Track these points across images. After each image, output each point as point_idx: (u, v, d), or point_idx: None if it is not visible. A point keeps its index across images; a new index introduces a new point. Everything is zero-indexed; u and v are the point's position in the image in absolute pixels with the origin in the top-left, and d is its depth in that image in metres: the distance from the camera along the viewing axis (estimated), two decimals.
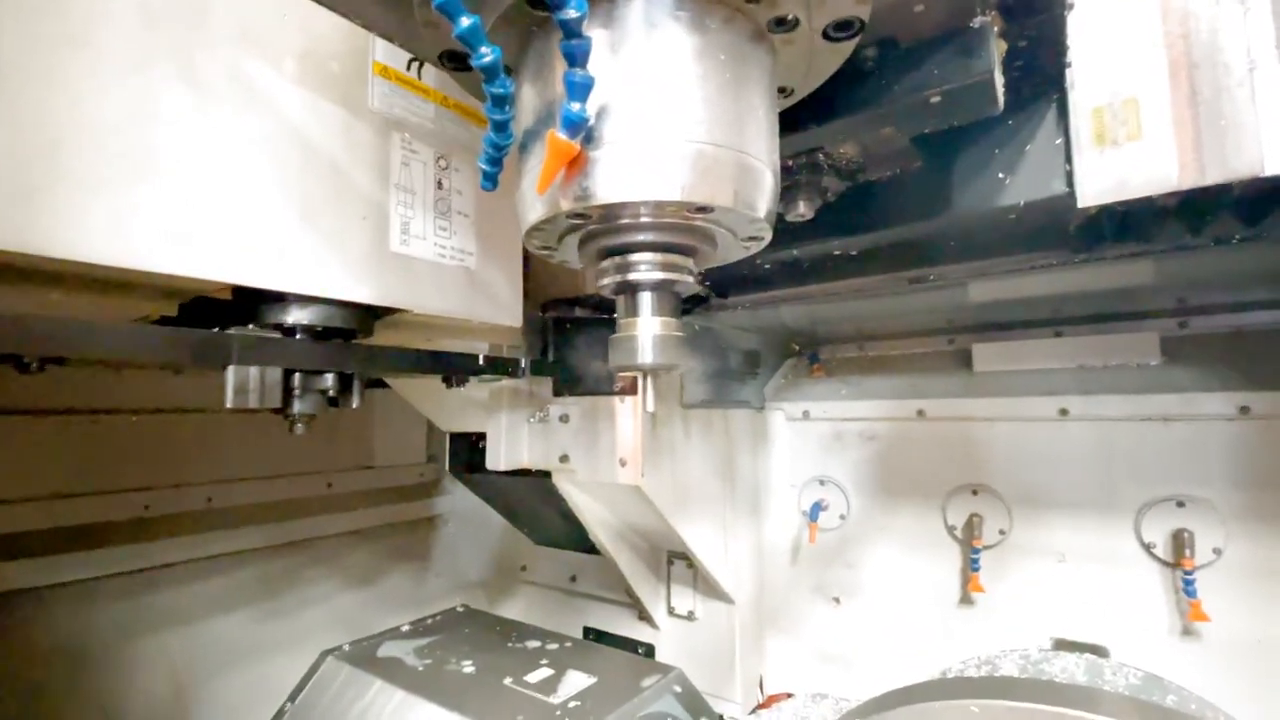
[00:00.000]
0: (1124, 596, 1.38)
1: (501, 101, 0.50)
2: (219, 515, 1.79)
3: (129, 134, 0.72)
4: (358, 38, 0.95)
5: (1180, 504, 1.34)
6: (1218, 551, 1.29)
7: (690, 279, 0.58)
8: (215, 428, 1.82)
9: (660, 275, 0.56)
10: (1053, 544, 1.48)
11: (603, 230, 0.55)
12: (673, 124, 0.49)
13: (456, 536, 2.36)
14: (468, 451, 1.86)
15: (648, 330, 0.57)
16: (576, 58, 0.45)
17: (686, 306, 1.53)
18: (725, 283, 1.44)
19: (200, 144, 0.77)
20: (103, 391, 1.62)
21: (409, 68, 1.03)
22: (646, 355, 0.56)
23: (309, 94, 0.88)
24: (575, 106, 0.46)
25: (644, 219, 0.52)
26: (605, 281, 0.58)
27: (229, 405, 0.81)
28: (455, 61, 0.65)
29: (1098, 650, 1.36)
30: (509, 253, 1.17)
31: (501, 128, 0.53)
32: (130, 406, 1.67)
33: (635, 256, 0.56)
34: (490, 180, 0.60)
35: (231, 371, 0.81)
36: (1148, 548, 1.36)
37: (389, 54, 0.99)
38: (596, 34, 0.49)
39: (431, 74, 1.06)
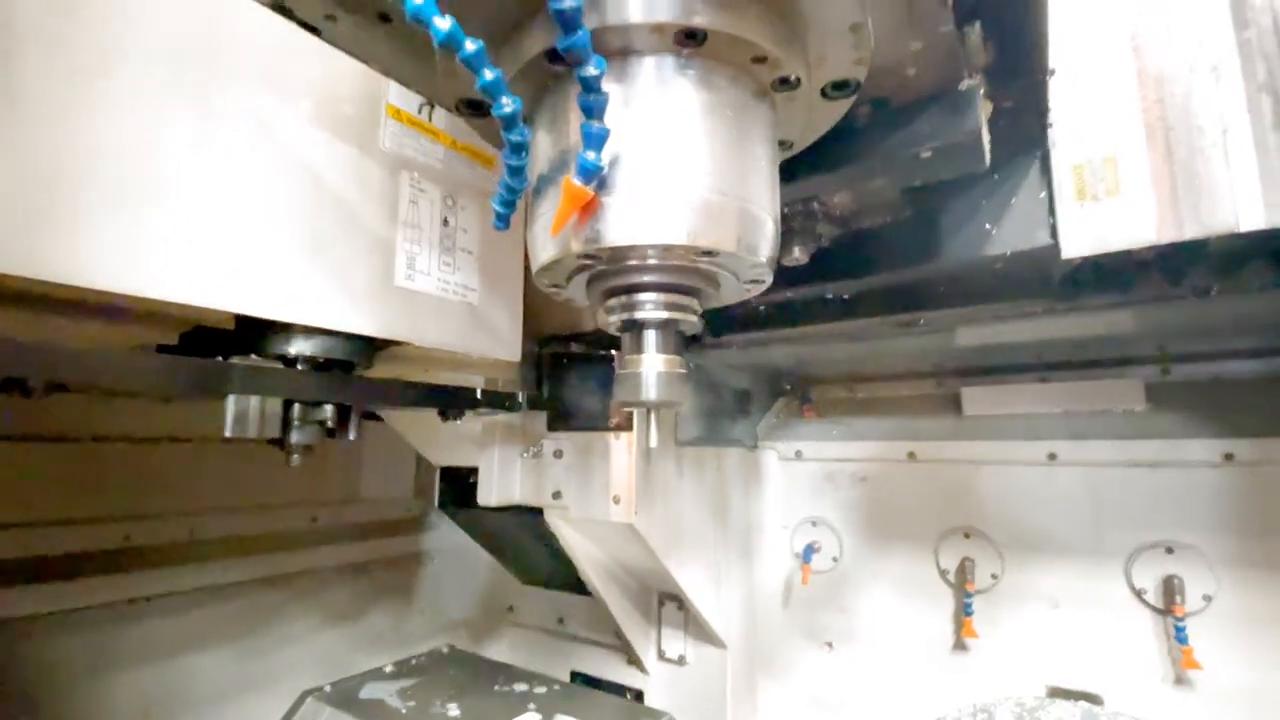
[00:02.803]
0: (1117, 643, 1.38)
1: (519, 148, 0.53)
2: (201, 547, 1.75)
3: (142, 165, 0.73)
4: (372, 81, 0.99)
5: (1169, 550, 1.35)
6: (1208, 599, 1.30)
7: (694, 318, 0.60)
8: (201, 458, 1.80)
9: (665, 314, 0.58)
10: (1045, 589, 1.48)
11: (611, 270, 0.57)
12: (681, 174, 0.51)
13: (442, 574, 2.31)
14: (457, 486, 1.84)
15: (652, 367, 0.58)
16: (594, 111, 0.48)
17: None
18: (719, 322, 1.47)
19: (213, 177, 0.79)
20: (90, 419, 1.60)
21: (420, 111, 1.06)
22: (651, 392, 0.57)
23: (323, 133, 0.91)
24: (591, 155, 0.48)
25: (651, 261, 0.54)
26: (612, 319, 0.60)
27: (228, 434, 0.81)
28: (472, 108, 0.68)
29: (1091, 699, 1.35)
30: (510, 289, 1.19)
31: (517, 173, 0.55)
32: (117, 434, 1.65)
33: (641, 296, 0.58)
34: (503, 221, 0.62)
35: (232, 401, 0.81)
36: (1139, 594, 1.37)
37: (402, 97, 1.03)
38: (610, 88, 0.51)
39: (441, 117, 1.10)
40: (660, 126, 0.52)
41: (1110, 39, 0.91)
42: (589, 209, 0.51)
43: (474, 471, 1.61)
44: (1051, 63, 0.84)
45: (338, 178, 0.92)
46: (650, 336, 0.59)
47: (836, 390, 1.98)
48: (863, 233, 1.08)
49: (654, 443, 0.61)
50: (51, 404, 1.52)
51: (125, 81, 0.73)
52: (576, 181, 0.49)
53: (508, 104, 0.50)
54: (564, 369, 1.51)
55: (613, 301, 0.60)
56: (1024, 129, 0.93)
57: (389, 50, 0.66)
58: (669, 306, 0.58)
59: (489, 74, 0.48)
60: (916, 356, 1.79)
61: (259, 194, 0.83)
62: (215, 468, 1.82)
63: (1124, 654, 1.37)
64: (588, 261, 0.55)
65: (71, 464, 1.57)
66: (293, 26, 0.86)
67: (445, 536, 2.37)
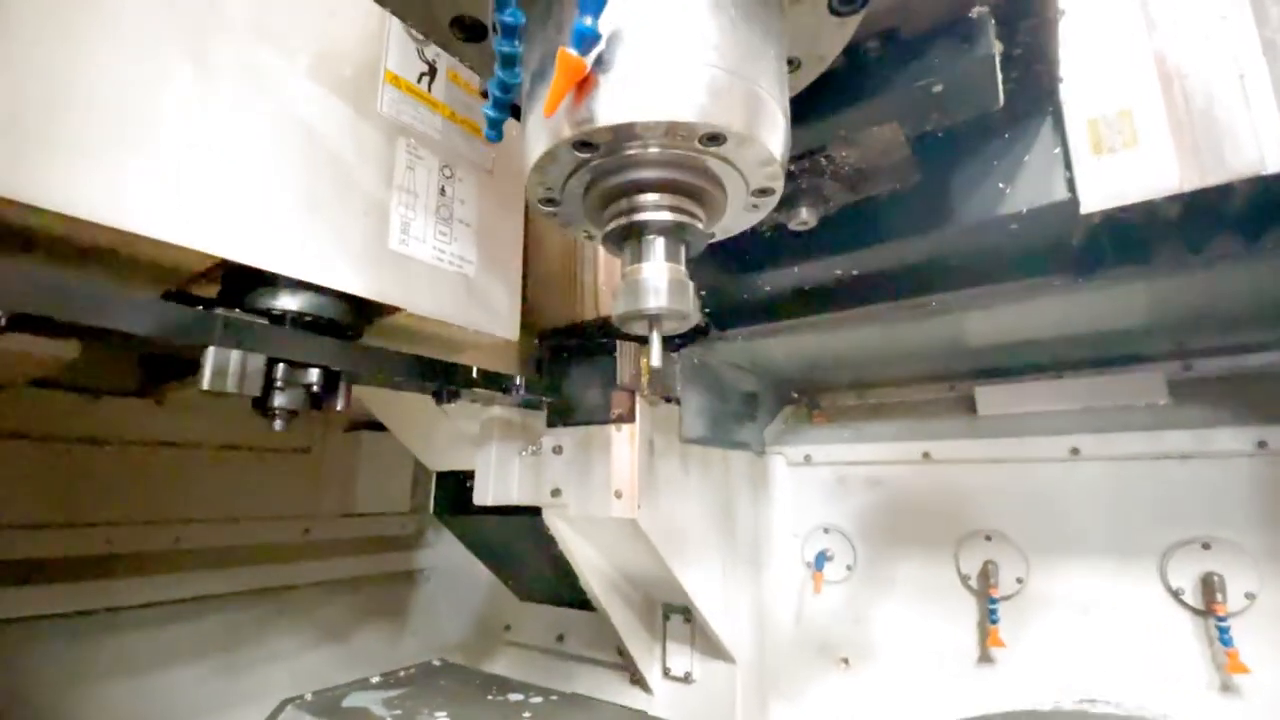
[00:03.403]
0: (1155, 649, 1.28)
1: (512, 31, 0.50)
2: (187, 557, 1.68)
3: (132, 102, 0.72)
4: (371, 46, 0.98)
5: (1206, 546, 1.27)
6: (1251, 596, 1.21)
7: (700, 226, 0.56)
8: (192, 464, 1.75)
9: (669, 217, 0.54)
10: (1075, 592, 1.39)
11: (609, 167, 0.53)
12: (686, 47, 0.48)
13: (437, 592, 2.21)
14: (454, 491, 1.77)
15: (657, 273, 0.54)
16: None
17: (683, 340, 1.51)
18: (724, 313, 1.43)
19: (207, 121, 0.77)
20: (80, 420, 1.56)
21: (419, 80, 1.05)
22: (657, 298, 0.53)
23: (320, 90, 0.90)
24: (588, 20, 0.45)
25: (652, 150, 0.51)
26: (611, 227, 0.56)
27: (204, 387, 0.76)
28: (464, 31, 0.66)
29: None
30: (509, 266, 1.16)
31: (509, 63, 0.52)
32: (107, 437, 1.60)
33: (643, 197, 0.54)
34: (495, 129, 0.59)
35: (212, 352, 0.77)
36: (1176, 594, 1.28)
37: (401, 65, 1.02)
38: None
39: (441, 89, 1.09)
40: (662, 3, 0.49)
41: None
42: (585, 87, 0.48)
43: (471, 475, 1.55)
44: (1061, 4, 0.82)
45: (333, 135, 0.90)
46: (653, 243, 0.55)
47: (846, 397, 1.93)
48: (872, 202, 1.05)
49: (658, 361, 0.56)
50: (37, 401, 1.48)
51: (124, 19, 0.71)
52: (571, 52, 0.46)
53: None
54: (563, 362, 1.46)
55: (612, 209, 0.56)
56: (1034, 83, 0.91)
57: None
58: (673, 209, 0.54)
59: None
60: (928, 359, 1.74)
61: (252, 142, 0.81)
62: (207, 475, 1.77)
63: (1164, 660, 1.27)
64: (584, 154, 0.52)
65: (59, 466, 1.52)
66: None
67: (442, 554, 2.29)
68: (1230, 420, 1.31)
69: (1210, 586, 1.24)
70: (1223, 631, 1.20)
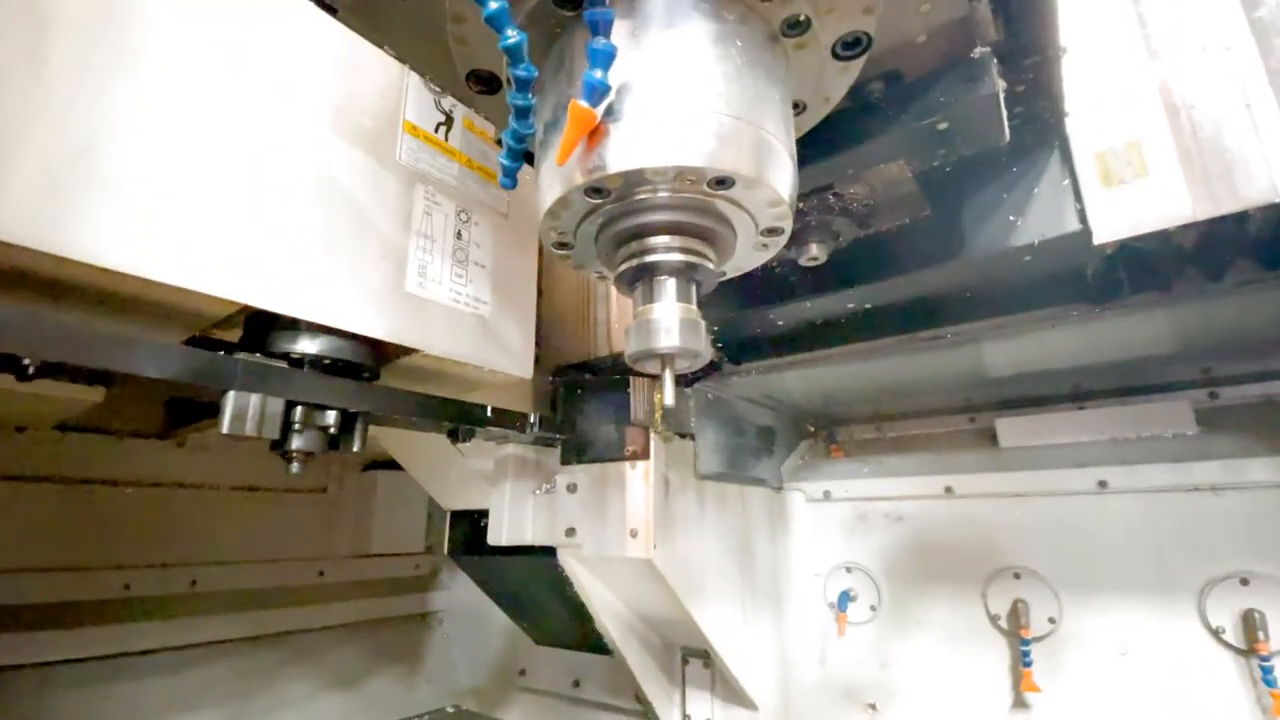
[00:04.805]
0: (1197, 692, 1.22)
1: (525, 85, 0.52)
2: (202, 600, 1.67)
3: (157, 155, 0.74)
4: (390, 99, 1.02)
5: (1244, 581, 1.22)
6: None
7: (710, 265, 0.56)
8: (209, 506, 1.76)
9: (680, 258, 0.54)
10: (1111, 632, 1.33)
11: (620, 211, 0.54)
12: (692, 95, 0.50)
13: (451, 637, 2.18)
14: (468, 532, 1.76)
15: (668, 313, 0.54)
16: (599, 27, 0.47)
17: (697, 374, 1.51)
18: (737, 347, 1.43)
19: (232, 172, 0.79)
20: (102, 461, 1.58)
21: (436, 130, 1.09)
22: (669, 337, 0.53)
23: (341, 142, 0.93)
24: (598, 74, 0.47)
25: (661, 193, 0.52)
26: (623, 268, 0.57)
27: (225, 430, 0.77)
28: (481, 83, 0.68)
29: None
30: (523, 306, 1.18)
31: (523, 115, 0.54)
32: (128, 478, 1.62)
33: (653, 240, 0.54)
34: (509, 177, 0.60)
35: (232, 396, 0.78)
36: (1216, 633, 1.23)
37: (419, 116, 1.05)
38: (619, 24, 0.51)
39: (457, 138, 1.12)
40: (670, 53, 0.51)
41: (1120, 28, 0.92)
42: (596, 136, 0.49)
43: (485, 515, 1.54)
44: (1063, 42, 0.83)
45: (354, 184, 0.93)
46: (664, 283, 0.55)
47: (864, 431, 1.91)
48: (882, 237, 1.05)
49: (670, 400, 0.56)
50: (60, 443, 1.51)
51: (148, 74, 0.74)
52: (582, 103, 0.47)
53: (513, 35, 0.49)
54: (577, 399, 1.46)
55: (623, 251, 0.57)
56: (1039, 118, 0.92)
57: (402, 30, 0.67)
58: (684, 250, 0.55)
59: (494, 4, 0.48)
60: (946, 391, 1.72)
61: (276, 192, 0.83)
62: (224, 516, 1.78)
63: (1206, 704, 1.21)
64: (596, 199, 0.53)
65: (80, 508, 1.53)
66: (314, 39, 0.90)
67: (456, 597, 2.26)
68: (1263, 450, 1.27)
69: (1251, 624, 1.18)
70: (1266, 671, 1.14)
